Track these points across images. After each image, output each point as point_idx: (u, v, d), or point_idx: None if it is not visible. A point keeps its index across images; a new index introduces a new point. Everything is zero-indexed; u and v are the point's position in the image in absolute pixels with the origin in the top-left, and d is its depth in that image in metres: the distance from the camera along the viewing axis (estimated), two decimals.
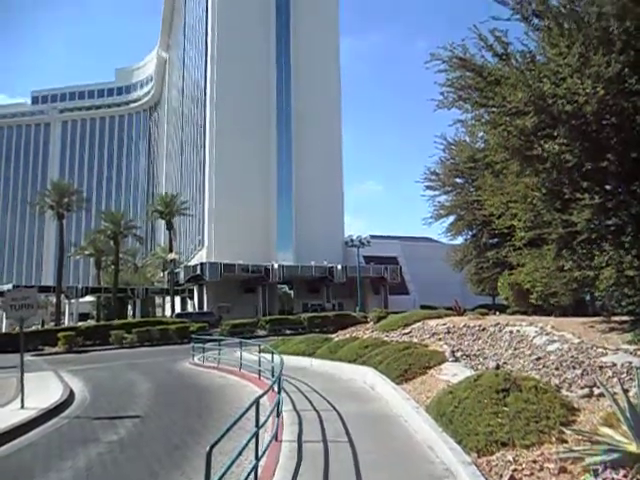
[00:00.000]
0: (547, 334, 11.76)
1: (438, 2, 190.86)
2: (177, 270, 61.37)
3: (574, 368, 9.20)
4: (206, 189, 66.89)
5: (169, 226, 62.75)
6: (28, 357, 23.79)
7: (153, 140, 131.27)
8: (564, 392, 8.23)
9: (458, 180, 22.48)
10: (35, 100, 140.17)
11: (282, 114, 68.25)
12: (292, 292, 65.39)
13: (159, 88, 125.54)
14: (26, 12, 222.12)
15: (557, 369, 9.46)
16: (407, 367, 11.87)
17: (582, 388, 8.22)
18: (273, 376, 12.06)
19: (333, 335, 22.43)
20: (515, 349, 11.75)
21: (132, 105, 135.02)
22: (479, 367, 11.38)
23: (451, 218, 24.05)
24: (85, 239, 78.48)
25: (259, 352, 16.77)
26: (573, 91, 10.39)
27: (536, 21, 12.19)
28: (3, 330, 50.36)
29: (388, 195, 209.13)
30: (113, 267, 62.39)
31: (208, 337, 25.66)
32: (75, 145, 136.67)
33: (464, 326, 15.34)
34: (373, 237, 61.56)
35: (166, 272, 64.40)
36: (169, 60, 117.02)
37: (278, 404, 9.09)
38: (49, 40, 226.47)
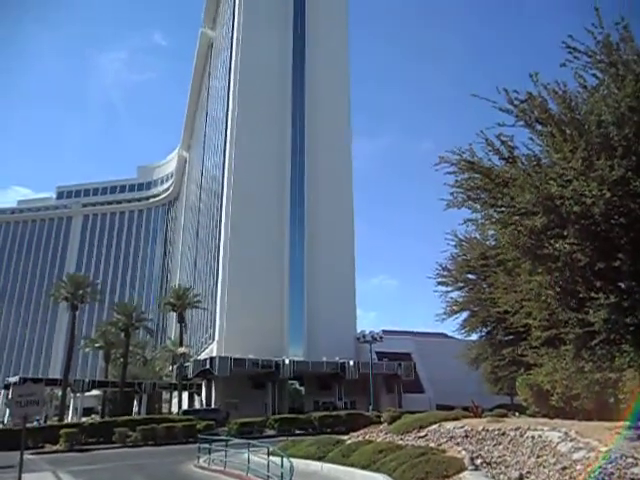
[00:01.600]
0: (572, 440, 11.14)
1: (443, 106, 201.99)
2: (186, 364, 60.25)
3: None
4: (219, 282, 67.35)
5: (180, 319, 62.57)
6: (27, 456, 22.85)
7: (170, 233, 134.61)
8: None
9: (470, 276, 22.51)
10: (60, 195, 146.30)
11: (296, 210, 70.12)
12: (303, 388, 63.31)
13: (178, 184, 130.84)
14: (55, 110, 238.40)
15: None
16: (424, 475, 11.21)
17: None
18: None
19: (345, 437, 21.40)
20: (538, 457, 11.09)
21: (152, 200, 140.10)
22: (501, 477, 10.71)
23: (464, 314, 23.79)
24: (96, 331, 78.17)
25: (268, 455, 15.98)
26: (580, 193, 10.69)
27: (539, 127, 12.85)
28: (4, 423, 48.85)
29: (400, 289, 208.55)
30: (122, 360, 61.48)
31: (215, 437, 24.63)
32: (94, 237, 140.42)
33: (483, 429, 14.61)
34: (385, 332, 60.49)
35: (175, 366, 63.20)
36: (189, 158, 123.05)
37: None
38: (77, 138, 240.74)
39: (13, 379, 59.42)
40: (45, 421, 56.30)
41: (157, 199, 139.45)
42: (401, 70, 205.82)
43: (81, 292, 58.71)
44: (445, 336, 60.25)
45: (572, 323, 11.58)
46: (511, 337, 20.83)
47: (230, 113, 74.80)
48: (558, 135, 11.69)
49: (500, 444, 13.02)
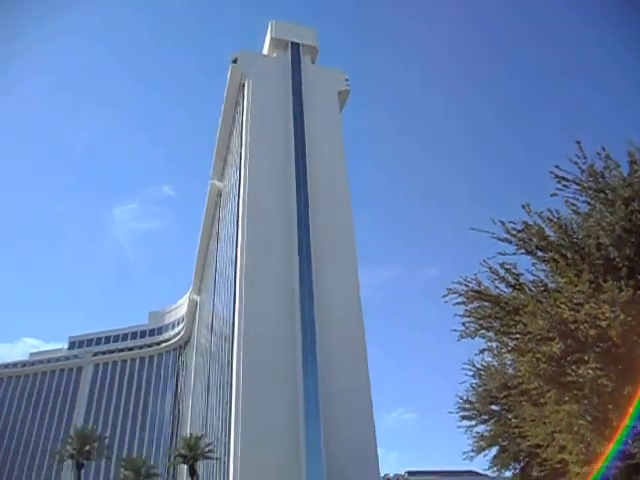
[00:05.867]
0: None
1: (445, 235, 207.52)
2: None
3: None
4: (232, 432, 63.78)
5: (192, 472, 58.59)
6: None
7: (181, 378, 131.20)
8: None
9: (494, 407, 21.37)
10: (72, 345, 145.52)
11: (308, 355, 67.98)
12: None
13: (189, 328, 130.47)
14: (68, 262, 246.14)
15: None
16: None
17: None
18: None
19: None
20: None
21: (162, 345, 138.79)
22: None
23: (494, 450, 22.19)
24: None
25: None
26: (593, 316, 10.56)
27: (540, 253, 13.12)
28: None
29: (420, 422, 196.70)
30: None
31: None
32: (104, 387, 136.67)
33: None
34: (410, 474, 56.11)
35: None
36: (200, 301, 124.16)
37: None
38: (90, 288, 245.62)
39: None
40: None
41: (168, 344, 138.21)
42: (399, 207, 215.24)
43: (88, 448, 55.87)
44: (476, 474, 55.52)
45: (612, 457, 10.75)
46: (547, 473, 19.18)
47: (238, 257, 76.82)
48: (560, 260, 11.89)
49: None
